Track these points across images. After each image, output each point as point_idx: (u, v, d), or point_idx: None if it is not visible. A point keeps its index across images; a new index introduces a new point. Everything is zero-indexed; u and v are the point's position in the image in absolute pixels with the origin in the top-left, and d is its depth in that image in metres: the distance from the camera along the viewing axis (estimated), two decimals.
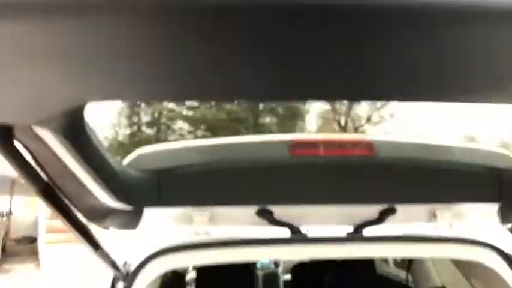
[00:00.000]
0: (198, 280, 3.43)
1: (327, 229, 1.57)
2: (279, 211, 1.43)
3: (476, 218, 1.68)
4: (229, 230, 1.51)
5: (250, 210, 1.40)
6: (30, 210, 18.08)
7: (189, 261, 1.47)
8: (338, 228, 1.57)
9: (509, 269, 1.49)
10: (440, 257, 1.59)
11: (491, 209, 1.56)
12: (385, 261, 3.59)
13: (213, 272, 3.32)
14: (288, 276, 4.05)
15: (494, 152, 1.52)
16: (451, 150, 1.46)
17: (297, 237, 1.45)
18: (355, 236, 1.52)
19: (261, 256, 1.48)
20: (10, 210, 11.64)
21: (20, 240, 13.09)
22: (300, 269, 3.55)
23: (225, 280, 3.12)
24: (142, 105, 21.09)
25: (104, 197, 1.12)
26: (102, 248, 1.27)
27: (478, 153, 1.50)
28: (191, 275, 3.98)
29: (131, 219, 1.37)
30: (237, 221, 1.49)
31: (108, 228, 1.39)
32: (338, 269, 2.80)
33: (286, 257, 1.51)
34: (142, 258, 1.37)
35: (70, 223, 1.10)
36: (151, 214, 1.41)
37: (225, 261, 1.58)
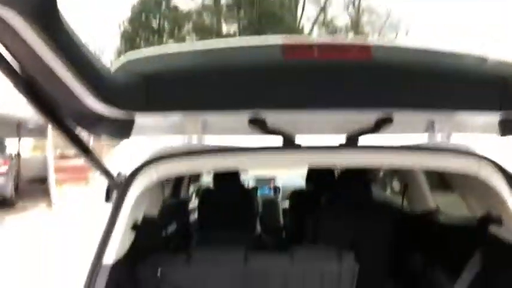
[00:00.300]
0: (200, 208, 3.53)
1: (321, 139, 1.55)
2: (272, 119, 1.38)
3: (475, 130, 1.64)
4: (222, 139, 1.49)
5: (243, 119, 1.37)
6: (39, 152, 18.43)
7: (181, 169, 1.45)
8: (333, 138, 1.55)
9: (506, 184, 1.45)
10: (435, 169, 1.56)
11: (490, 122, 1.53)
12: (382, 188, 3.66)
13: (214, 201, 3.40)
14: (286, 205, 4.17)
15: (498, 59, 1.44)
16: (453, 56, 1.39)
17: (290, 145, 1.43)
18: (350, 144, 1.51)
19: (253, 165, 1.45)
20: (19, 152, 11.84)
21: (31, 181, 13.49)
22: (297, 196, 3.65)
23: (227, 207, 3.18)
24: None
25: (91, 101, 1.09)
26: (95, 156, 1.27)
27: (480, 59, 1.43)
28: (194, 204, 4.11)
29: (122, 128, 1.35)
30: (230, 130, 1.47)
31: (101, 136, 1.38)
32: (333, 195, 2.83)
33: (279, 166, 1.47)
34: (135, 167, 1.37)
35: (60, 129, 1.07)
36: (143, 124, 1.39)
37: (216, 169, 1.57)
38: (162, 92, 1.21)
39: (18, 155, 11.65)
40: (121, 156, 1.57)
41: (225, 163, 1.42)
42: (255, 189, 4.93)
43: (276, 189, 5.26)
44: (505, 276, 1.61)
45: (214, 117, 1.40)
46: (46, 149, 14.62)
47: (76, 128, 1.20)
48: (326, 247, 1.78)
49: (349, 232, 2.36)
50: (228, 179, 3.33)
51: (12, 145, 12.00)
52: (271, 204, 4.20)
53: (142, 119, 1.36)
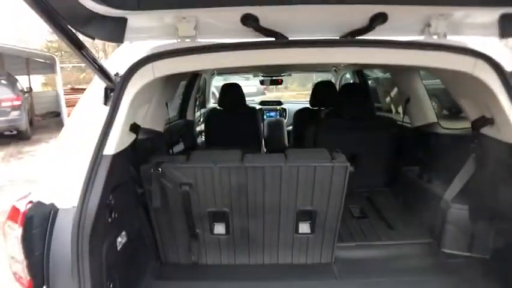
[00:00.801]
0: (206, 128, 3.64)
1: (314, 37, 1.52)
2: (265, 17, 1.36)
3: (472, 32, 1.59)
4: (215, 39, 1.49)
5: (235, 17, 1.35)
6: (49, 88, 18.59)
7: (175, 67, 1.45)
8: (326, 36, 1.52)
9: (499, 81, 1.44)
10: (432, 66, 1.53)
11: (489, 21, 1.48)
12: (380, 108, 3.67)
13: (220, 120, 3.49)
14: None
15: None
16: None
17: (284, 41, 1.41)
18: (343, 40, 1.47)
19: (247, 60, 1.43)
20: (30, 87, 11.97)
21: (44, 115, 13.82)
22: (300, 113, 3.75)
23: (233, 127, 3.23)
24: None
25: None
26: (92, 56, 1.29)
27: None
28: (201, 127, 4.21)
29: (116, 29, 1.36)
30: (223, 32, 1.46)
31: (94, 39, 1.39)
32: (334, 108, 2.87)
33: (272, 61, 1.43)
34: (131, 64, 1.38)
35: (61, 32, 1.07)
36: (136, 26, 1.39)
37: (209, 67, 1.59)
38: None
39: (30, 89, 11.77)
40: (118, 59, 1.58)
41: (222, 59, 1.41)
42: (261, 111, 5.05)
43: (283, 112, 5.36)
44: (493, 172, 1.68)
45: (206, 17, 1.38)
46: (56, 84, 14.75)
47: (74, 32, 1.20)
48: (319, 149, 1.85)
49: (349, 143, 2.43)
50: (234, 100, 3.41)
51: (23, 83, 12.07)
52: (276, 124, 4.30)
53: (134, 20, 1.36)
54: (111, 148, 1.30)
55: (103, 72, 1.36)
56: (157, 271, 1.84)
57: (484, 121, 1.66)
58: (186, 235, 1.85)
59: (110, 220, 1.35)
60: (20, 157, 8.30)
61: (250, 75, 5.70)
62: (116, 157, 1.32)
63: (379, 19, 1.39)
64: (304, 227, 1.86)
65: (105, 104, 1.41)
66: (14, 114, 9.57)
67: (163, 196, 1.70)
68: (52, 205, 1.21)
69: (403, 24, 1.49)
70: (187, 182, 1.72)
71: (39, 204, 1.19)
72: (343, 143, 2.41)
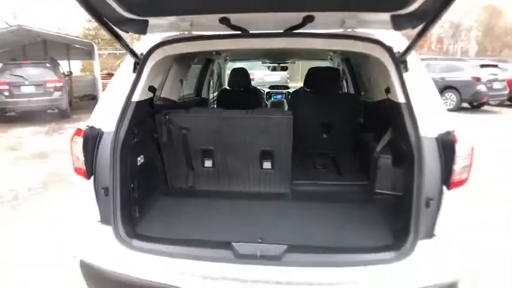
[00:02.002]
0: (217, 103, 4.41)
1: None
2: (234, 19, 2.00)
3: (376, 27, 2.12)
4: (203, 32, 2.19)
5: (215, 19, 1.99)
6: (87, 73, 19.82)
7: (180, 49, 2.13)
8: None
9: (390, 59, 1.92)
10: (344, 49, 2.11)
11: (384, 19, 1.95)
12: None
13: (229, 98, 4.21)
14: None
15: None
16: None
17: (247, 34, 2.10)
18: (286, 33, 2.08)
19: (222, 46, 2.13)
20: (70, 71, 13.07)
21: (82, 98, 14.98)
22: (292, 94, 4.48)
23: (240, 103, 3.97)
24: None
25: (121, 10, 1.82)
26: (126, 43, 2.02)
27: None
28: (214, 104, 4.96)
29: (141, 26, 2.08)
30: (208, 27, 2.12)
31: (128, 32, 2.14)
32: (314, 89, 3.51)
33: (239, 47, 2.11)
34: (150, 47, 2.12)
35: (105, 27, 1.74)
36: (153, 24, 2.12)
37: (198, 50, 2.26)
38: (162, 3, 1.90)
39: (70, 73, 12.87)
40: (142, 44, 2.32)
41: (206, 45, 2.11)
42: (269, 93, 5.90)
43: (288, 95, 6.24)
44: (396, 126, 2.21)
45: (197, 19, 2.08)
46: (93, 69, 15.86)
47: (116, 29, 1.93)
48: (274, 109, 2.55)
49: (321, 114, 3.12)
50: (241, 81, 4.17)
51: (63, 67, 13.15)
52: (278, 103, 5.10)
53: (153, 21, 2.09)
54: (136, 98, 2.04)
55: (133, 53, 2.07)
56: (164, 190, 2.58)
57: (387, 89, 2.16)
58: (185, 167, 2.59)
59: (133, 143, 2.08)
60: (61, 132, 9.32)
61: (259, 62, 6.44)
62: (139, 104, 2.05)
63: (309, 19, 1.98)
64: (266, 164, 2.55)
65: (134, 72, 2.10)
66: (57, 94, 10.69)
67: (169, 136, 2.45)
68: (100, 129, 1.93)
69: (326, 22, 2.08)
70: (186, 126, 2.47)
71: (93, 128, 1.92)
72: (316, 113, 3.10)
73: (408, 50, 1.82)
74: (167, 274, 1.68)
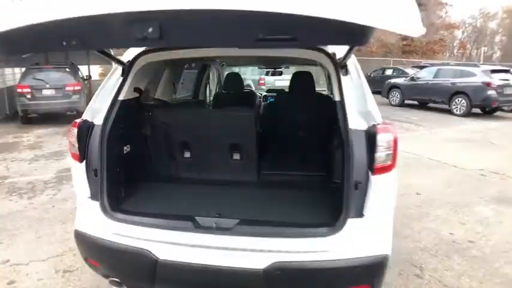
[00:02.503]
0: (213, 104, 4.77)
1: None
2: None
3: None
4: None
5: None
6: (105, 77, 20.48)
7: (161, 57, 2.46)
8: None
9: (332, 65, 2.19)
10: (299, 58, 2.48)
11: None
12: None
13: (224, 99, 4.56)
14: None
15: None
16: None
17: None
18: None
19: (198, 54, 2.53)
20: (90, 75, 13.62)
21: None
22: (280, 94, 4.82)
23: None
24: None
25: None
26: (114, 56, 2.39)
27: None
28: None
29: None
30: None
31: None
32: (296, 89, 3.78)
33: (211, 54, 2.50)
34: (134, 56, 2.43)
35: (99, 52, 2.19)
36: None
37: (180, 57, 2.56)
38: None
39: (89, 77, 13.44)
40: (128, 55, 2.66)
41: (173, 54, 2.44)
42: (265, 96, 6.22)
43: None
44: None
45: None
46: None
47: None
48: (240, 107, 2.89)
49: (297, 113, 3.43)
50: (235, 85, 4.48)
51: (83, 71, 13.79)
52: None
53: None
54: (121, 97, 2.38)
55: (119, 61, 2.45)
56: (150, 176, 2.88)
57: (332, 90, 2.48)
58: (167, 157, 2.94)
59: (119, 134, 2.39)
60: None
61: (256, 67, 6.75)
62: (125, 102, 2.39)
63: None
64: (236, 155, 2.87)
65: (122, 76, 2.46)
66: (75, 97, 11.29)
67: (153, 129, 2.80)
68: (92, 122, 2.28)
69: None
70: (166, 122, 2.83)
71: (86, 121, 2.27)
72: (290, 113, 3.41)
73: (346, 56, 2.08)
74: (141, 240, 2.02)
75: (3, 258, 3.38)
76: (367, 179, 1.92)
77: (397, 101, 15.47)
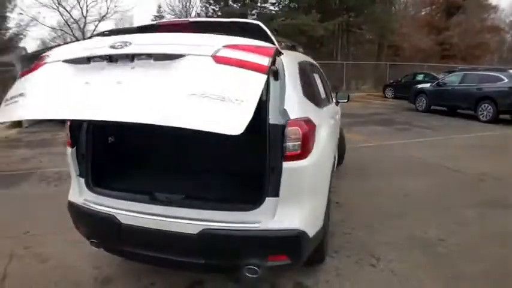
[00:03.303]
0: None
1: None
2: None
3: None
4: None
5: None
6: None
7: None
8: None
9: None
10: None
11: None
12: None
13: None
14: None
15: None
16: None
17: None
18: None
19: None
20: None
21: None
22: None
23: None
24: None
25: None
26: None
27: None
28: None
29: None
30: None
31: None
32: None
33: None
34: None
35: None
36: None
37: None
38: None
39: None
40: None
41: None
42: None
43: None
44: None
45: None
46: None
47: None
48: None
49: None
50: None
51: None
52: None
53: None
54: None
55: None
56: (132, 163, 3.38)
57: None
58: (139, 147, 3.53)
59: (104, 127, 2.94)
60: None
61: None
62: None
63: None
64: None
65: None
66: None
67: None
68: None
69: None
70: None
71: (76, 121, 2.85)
72: None
73: (272, 64, 2.29)
74: (111, 208, 2.58)
75: (24, 230, 4.06)
76: (281, 165, 2.31)
77: (423, 107, 15.31)
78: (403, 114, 14.78)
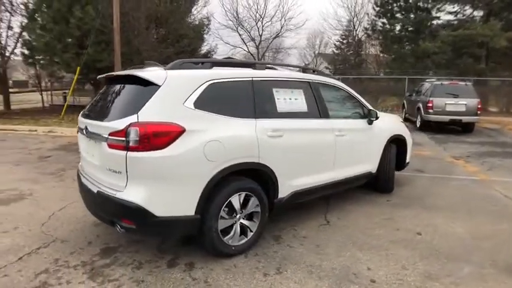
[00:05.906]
0: None
1: None
2: None
3: None
4: None
5: None
6: None
7: None
8: None
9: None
10: None
11: None
12: None
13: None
14: None
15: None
16: None
17: None
18: None
19: None
20: None
21: None
22: None
23: None
24: None
25: None
26: None
27: None
28: None
29: None
30: None
31: None
32: None
33: None
34: None
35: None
36: None
37: None
38: None
39: None
40: None
41: None
42: None
43: None
44: None
45: None
46: None
47: None
48: None
49: None
50: None
51: None
52: None
53: None
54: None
55: None
56: None
57: None
58: None
59: None
60: None
61: None
62: None
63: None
64: None
65: None
66: None
67: None
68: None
69: None
70: None
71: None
72: None
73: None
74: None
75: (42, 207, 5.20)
76: (126, 154, 3.07)
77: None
78: None
